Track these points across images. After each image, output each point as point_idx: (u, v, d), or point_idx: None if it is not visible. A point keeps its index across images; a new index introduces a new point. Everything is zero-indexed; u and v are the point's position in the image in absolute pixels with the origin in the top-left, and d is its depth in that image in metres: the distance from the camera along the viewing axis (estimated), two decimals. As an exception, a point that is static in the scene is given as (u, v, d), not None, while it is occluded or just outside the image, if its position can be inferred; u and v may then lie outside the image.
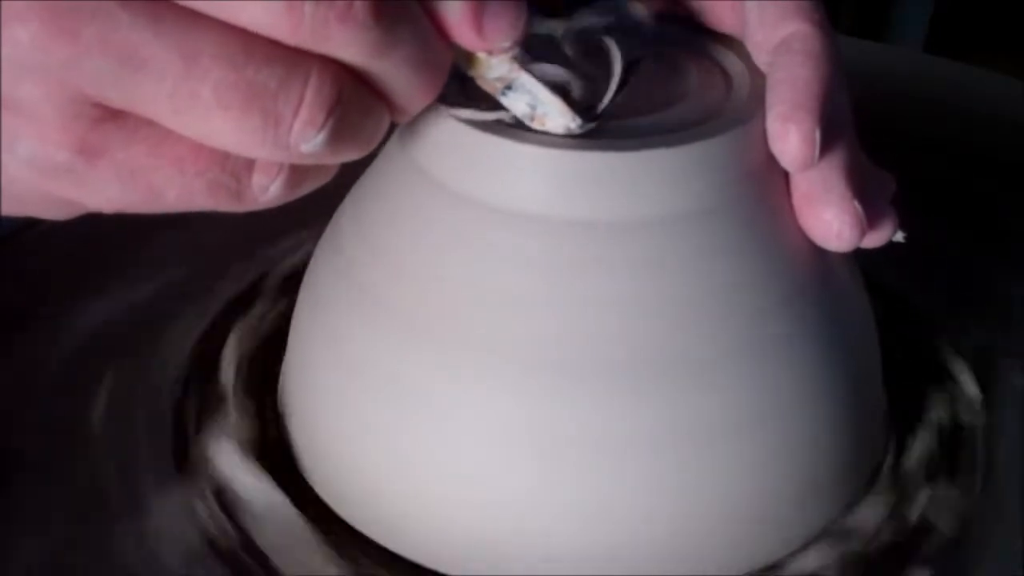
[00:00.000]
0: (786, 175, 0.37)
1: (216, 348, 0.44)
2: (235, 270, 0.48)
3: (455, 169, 0.35)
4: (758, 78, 0.37)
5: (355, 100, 0.29)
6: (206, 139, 0.28)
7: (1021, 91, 0.61)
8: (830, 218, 0.36)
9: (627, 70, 0.35)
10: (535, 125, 0.34)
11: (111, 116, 0.28)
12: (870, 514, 0.38)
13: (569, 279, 0.34)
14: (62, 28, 0.26)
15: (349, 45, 0.28)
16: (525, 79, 0.33)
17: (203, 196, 0.30)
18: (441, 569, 0.36)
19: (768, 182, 0.36)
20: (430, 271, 0.35)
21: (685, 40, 0.40)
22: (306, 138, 0.28)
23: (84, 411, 0.42)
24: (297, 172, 0.30)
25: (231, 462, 0.39)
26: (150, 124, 0.28)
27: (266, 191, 0.30)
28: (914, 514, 0.38)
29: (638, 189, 0.34)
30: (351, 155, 0.30)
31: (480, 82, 0.33)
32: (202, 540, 0.37)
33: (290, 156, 0.29)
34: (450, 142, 0.35)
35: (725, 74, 0.38)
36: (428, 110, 0.35)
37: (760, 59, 0.38)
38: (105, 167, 0.29)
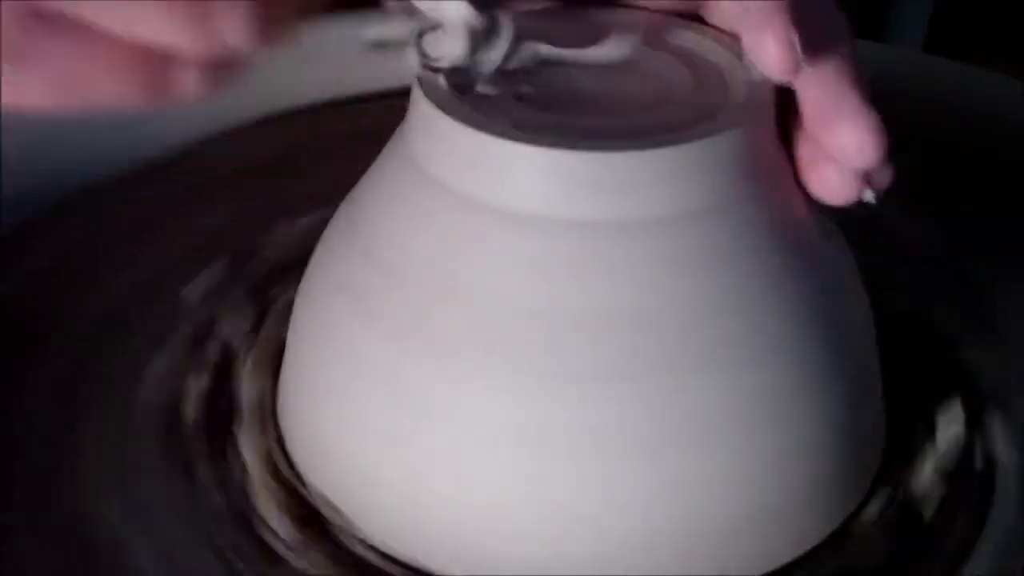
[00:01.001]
0: (789, 172, 0.37)
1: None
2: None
3: (454, 169, 0.35)
4: (755, 77, 0.37)
5: None
6: (132, 36, 0.29)
7: (1021, 91, 0.61)
8: (848, 132, 0.35)
9: None
10: (440, 58, 0.34)
11: (44, 22, 0.29)
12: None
13: (568, 279, 0.34)
14: None
15: None
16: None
17: (131, 92, 0.30)
18: (439, 570, 0.36)
19: (768, 182, 0.36)
20: (429, 271, 0.35)
21: (682, 39, 0.40)
22: (234, 31, 0.29)
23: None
24: (219, 64, 0.30)
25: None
26: (79, 25, 0.29)
27: (190, 84, 0.30)
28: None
29: (638, 189, 0.34)
30: (275, 44, 0.30)
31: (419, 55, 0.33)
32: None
33: (219, 49, 0.29)
34: (450, 142, 0.35)
35: (722, 73, 0.38)
36: (428, 110, 0.36)
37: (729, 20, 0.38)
38: (38, 71, 0.29)
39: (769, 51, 0.34)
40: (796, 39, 0.34)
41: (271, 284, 0.47)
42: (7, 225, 0.50)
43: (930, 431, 0.42)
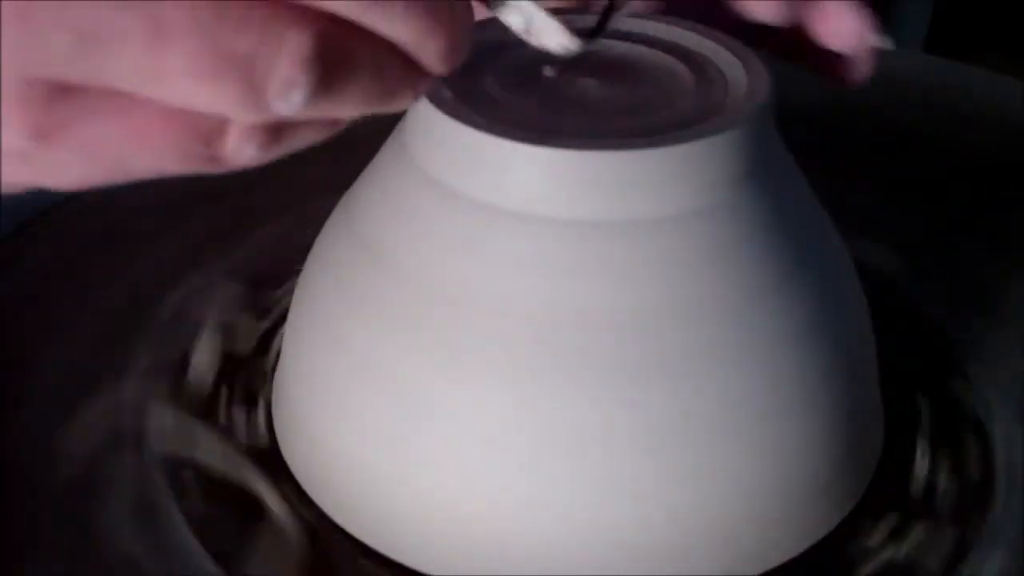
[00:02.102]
0: (789, 171, 0.37)
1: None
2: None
3: (454, 169, 0.35)
4: (755, 77, 0.37)
5: (343, 54, 0.27)
6: (182, 106, 0.27)
7: (1021, 91, 0.61)
8: (846, 19, 0.39)
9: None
10: (531, 40, 0.34)
11: (68, 92, 0.26)
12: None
13: (568, 279, 0.34)
14: (13, 10, 0.25)
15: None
16: (524, 2, 0.33)
17: (175, 163, 0.28)
18: (438, 572, 0.36)
19: (768, 181, 0.36)
20: (428, 271, 0.35)
21: (682, 40, 0.40)
22: (286, 98, 0.26)
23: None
24: (275, 130, 0.28)
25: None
26: (110, 97, 0.27)
27: (242, 153, 0.28)
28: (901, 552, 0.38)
29: (638, 189, 0.34)
30: (359, 109, 0.28)
31: None
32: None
33: (269, 117, 0.27)
34: (449, 142, 0.35)
35: (722, 73, 0.38)
36: (427, 110, 0.35)
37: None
38: (65, 146, 0.27)
39: (850, 21, 0.38)
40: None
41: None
42: (7, 225, 0.50)
43: (929, 431, 0.42)
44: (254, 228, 0.51)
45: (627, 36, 0.40)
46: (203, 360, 0.44)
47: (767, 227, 0.36)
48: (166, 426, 0.41)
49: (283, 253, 0.49)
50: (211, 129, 0.28)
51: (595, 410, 0.34)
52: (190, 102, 0.26)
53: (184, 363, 0.44)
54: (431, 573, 0.36)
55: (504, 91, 0.37)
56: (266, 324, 0.46)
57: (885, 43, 0.39)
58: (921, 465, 0.40)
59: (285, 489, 0.39)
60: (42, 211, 0.51)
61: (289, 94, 0.26)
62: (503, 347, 0.34)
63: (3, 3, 0.25)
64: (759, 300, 0.35)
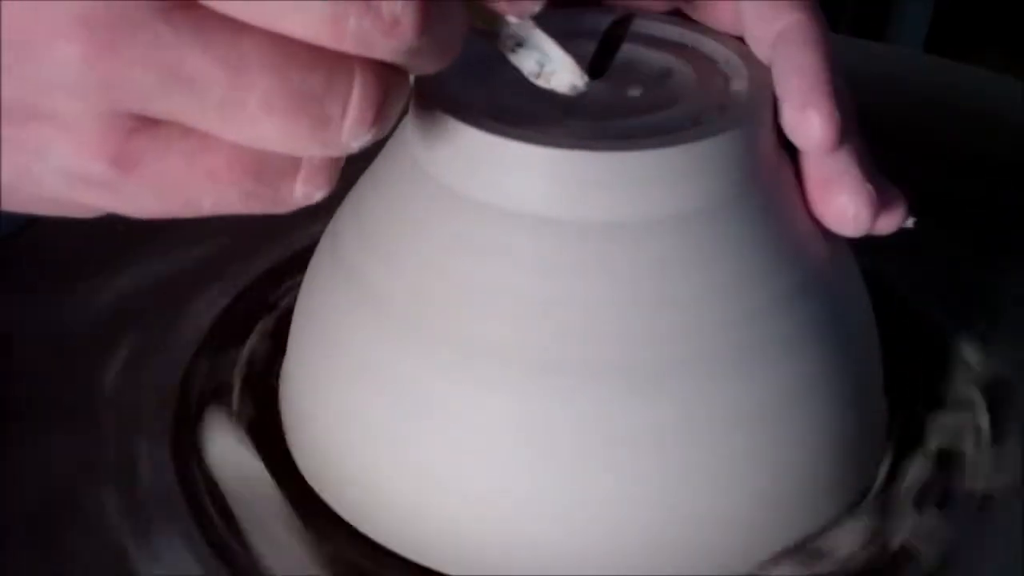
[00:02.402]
0: (790, 172, 0.37)
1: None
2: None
3: (456, 169, 0.35)
4: (756, 77, 0.37)
5: (396, 89, 0.29)
6: (255, 144, 0.28)
7: (1021, 91, 0.61)
8: (845, 201, 0.36)
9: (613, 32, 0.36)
10: (540, 82, 0.34)
11: (147, 126, 0.28)
12: (848, 537, 0.37)
13: (569, 279, 0.34)
14: (104, 44, 0.26)
15: (391, 53, 0.28)
16: (538, 36, 0.33)
17: (239, 204, 0.30)
18: (441, 569, 0.36)
19: (768, 182, 0.36)
20: (430, 271, 0.35)
21: (682, 39, 0.40)
22: (358, 136, 0.28)
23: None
24: (335, 170, 0.30)
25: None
26: (186, 134, 0.28)
27: (306, 194, 0.30)
28: (896, 541, 0.38)
29: (638, 189, 0.34)
30: (381, 138, 0.30)
31: (491, 38, 0.33)
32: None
33: (340, 152, 0.29)
34: (451, 142, 0.35)
35: (723, 73, 0.38)
36: (427, 110, 0.36)
37: (761, 52, 0.38)
38: (139, 178, 0.28)
39: (814, 130, 0.35)
40: (839, 116, 0.35)
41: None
42: (7, 225, 0.50)
43: (929, 431, 0.42)
44: (255, 228, 0.51)
45: (629, 36, 0.40)
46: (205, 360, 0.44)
47: (767, 228, 0.36)
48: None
49: (284, 253, 0.49)
50: (277, 171, 0.29)
51: (595, 410, 0.34)
52: (265, 138, 0.28)
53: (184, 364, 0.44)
54: (432, 569, 0.36)
55: (505, 91, 0.37)
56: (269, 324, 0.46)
57: (907, 224, 0.37)
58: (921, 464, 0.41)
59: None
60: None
61: (361, 132, 0.28)
62: (503, 347, 0.34)
63: (96, 37, 0.26)
64: (760, 300, 0.35)
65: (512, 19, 0.32)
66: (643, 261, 0.34)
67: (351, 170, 0.39)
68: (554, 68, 0.34)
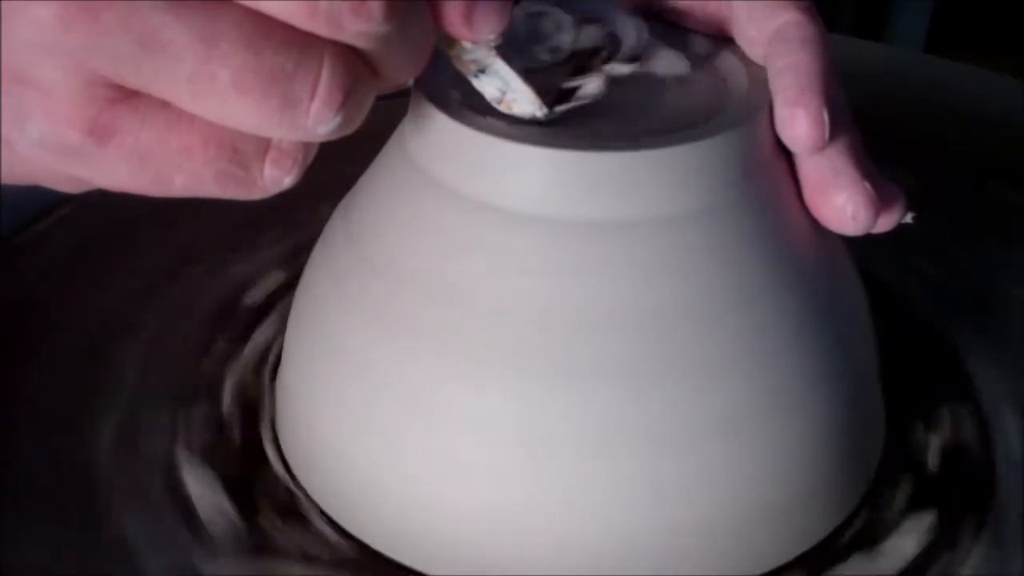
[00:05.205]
0: (788, 172, 0.37)
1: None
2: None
3: (454, 170, 0.35)
4: (754, 76, 0.37)
5: (363, 80, 0.29)
6: (223, 121, 0.29)
7: (1021, 91, 0.61)
8: (843, 201, 0.36)
9: (590, 58, 0.37)
10: (502, 108, 0.35)
11: (124, 98, 0.29)
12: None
13: (568, 279, 0.34)
14: (82, 10, 0.26)
15: (360, 36, 0.28)
16: (499, 65, 0.34)
17: (211, 184, 0.30)
18: (438, 572, 0.36)
19: (768, 181, 0.36)
20: (428, 272, 0.35)
21: (680, 40, 0.40)
22: (324, 120, 0.29)
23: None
24: (305, 157, 0.31)
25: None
26: (162, 108, 0.29)
27: (274, 178, 0.30)
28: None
29: (638, 189, 0.34)
30: (348, 132, 0.31)
31: (456, 62, 0.34)
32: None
33: (307, 136, 0.29)
34: (450, 143, 0.35)
35: (721, 74, 0.38)
36: (427, 111, 0.36)
37: (755, 53, 0.38)
38: (115, 150, 0.29)
39: (801, 130, 0.35)
40: (826, 116, 0.35)
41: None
42: (7, 225, 0.50)
43: (929, 431, 0.42)
44: (255, 229, 0.51)
45: (628, 36, 0.40)
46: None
47: (767, 228, 0.36)
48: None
49: (284, 253, 0.49)
50: (249, 153, 0.30)
51: (595, 410, 0.34)
52: (234, 116, 0.28)
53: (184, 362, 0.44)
54: (430, 573, 0.36)
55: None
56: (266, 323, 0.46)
57: (905, 219, 0.37)
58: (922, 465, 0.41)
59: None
60: (43, 210, 0.51)
61: (327, 116, 0.29)
62: (503, 348, 0.34)
63: (73, 3, 0.26)
64: (760, 300, 0.35)
65: (467, 45, 0.33)
66: (643, 261, 0.34)
67: (350, 171, 0.40)
68: (515, 96, 0.34)
